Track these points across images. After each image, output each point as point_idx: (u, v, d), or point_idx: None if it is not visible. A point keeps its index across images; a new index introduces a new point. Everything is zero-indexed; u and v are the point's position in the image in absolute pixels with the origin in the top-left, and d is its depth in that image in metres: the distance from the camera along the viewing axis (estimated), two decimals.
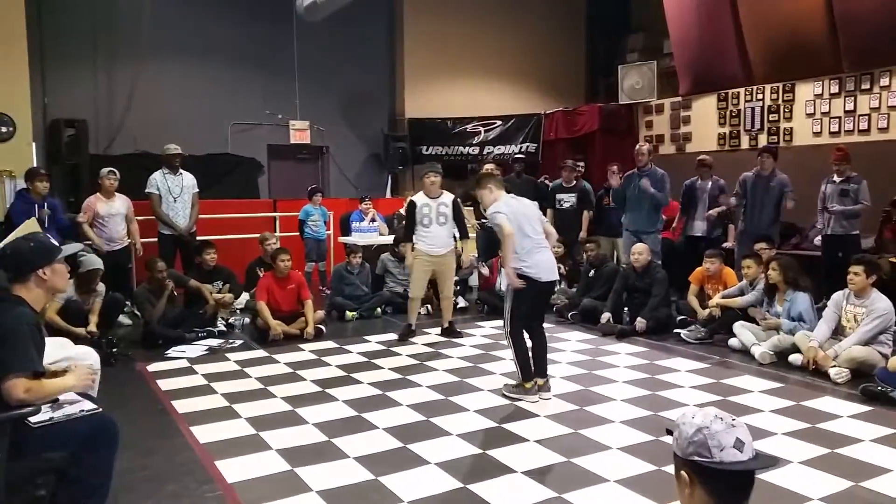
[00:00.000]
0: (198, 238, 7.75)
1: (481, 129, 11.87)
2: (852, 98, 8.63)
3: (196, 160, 9.28)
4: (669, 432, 1.66)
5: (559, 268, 8.17)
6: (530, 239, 4.69)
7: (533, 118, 11.90)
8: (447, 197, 6.63)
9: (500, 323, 7.02)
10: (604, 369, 5.52)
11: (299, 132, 11.31)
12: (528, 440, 4.02)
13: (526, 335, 4.82)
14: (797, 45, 8.60)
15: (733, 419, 1.58)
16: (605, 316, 6.80)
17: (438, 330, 6.85)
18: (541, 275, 4.69)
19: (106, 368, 4.54)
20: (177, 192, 7.58)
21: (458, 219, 6.70)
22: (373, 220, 9.12)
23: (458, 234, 6.83)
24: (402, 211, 9.35)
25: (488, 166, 8.31)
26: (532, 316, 4.84)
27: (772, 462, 1.62)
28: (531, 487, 3.40)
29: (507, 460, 3.72)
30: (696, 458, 1.55)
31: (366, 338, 6.62)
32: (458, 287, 8.18)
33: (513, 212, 4.70)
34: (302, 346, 6.34)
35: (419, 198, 6.62)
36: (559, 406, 4.63)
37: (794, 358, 5.50)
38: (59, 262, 2.89)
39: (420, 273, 6.59)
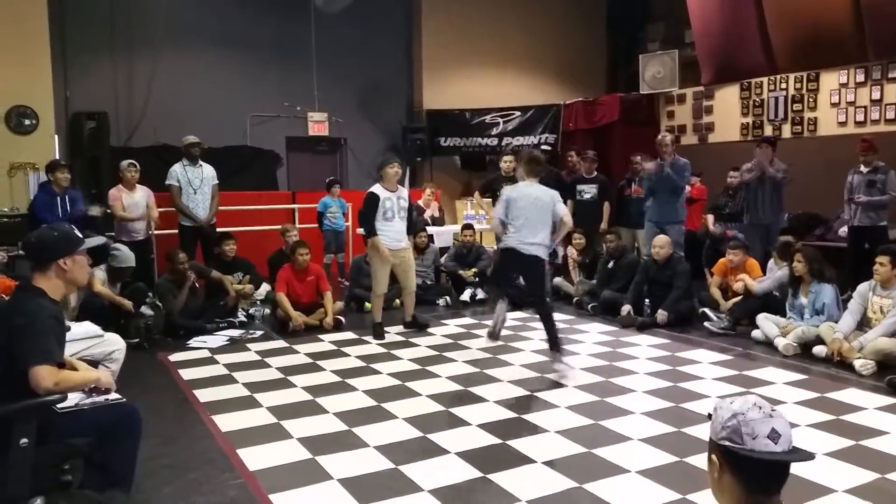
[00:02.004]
0: (217, 230, 7.80)
1: (500, 119, 11.80)
2: (879, 87, 8.48)
3: (215, 152, 9.32)
4: (709, 417, 1.62)
5: (565, 256, 8.17)
6: (527, 220, 5.13)
7: (552, 109, 11.81)
8: (404, 191, 6.51)
9: (520, 314, 7.06)
10: (624, 361, 5.48)
11: (317, 124, 11.32)
12: (549, 431, 4.00)
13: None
14: (821, 33, 8.44)
15: (773, 409, 1.54)
16: (626, 308, 6.75)
17: (457, 321, 6.83)
18: (508, 243, 5.20)
19: (131, 358, 4.59)
20: (197, 183, 7.62)
21: (411, 214, 6.56)
22: None
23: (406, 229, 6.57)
24: (420, 203, 9.42)
25: (507, 158, 8.29)
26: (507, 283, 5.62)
27: (807, 457, 1.57)
28: (552, 477, 3.38)
29: (527, 451, 3.70)
30: (727, 443, 1.52)
31: (385, 329, 6.62)
32: (477, 279, 8.16)
33: (518, 195, 5.22)
34: (322, 336, 6.36)
35: (380, 190, 6.29)
36: (580, 397, 4.61)
37: (819, 350, 5.43)
38: (80, 253, 2.91)
39: (383, 269, 6.36)
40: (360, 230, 6.85)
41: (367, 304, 7.48)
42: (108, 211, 7.41)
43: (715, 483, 1.59)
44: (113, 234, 7.37)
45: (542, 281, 5.67)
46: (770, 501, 1.51)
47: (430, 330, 6.60)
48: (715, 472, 1.57)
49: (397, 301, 7.65)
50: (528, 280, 5.49)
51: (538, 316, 5.40)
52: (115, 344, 4.24)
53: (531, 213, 5.15)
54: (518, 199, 5.20)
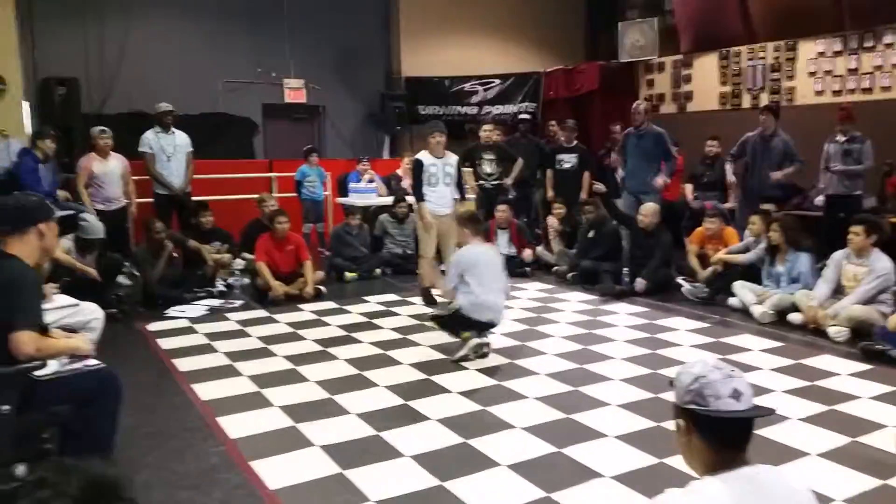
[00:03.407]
0: (193, 199, 7.69)
1: (480, 88, 11.71)
2: (855, 56, 8.51)
3: (189, 119, 9.15)
4: (672, 384, 1.66)
5: (545, 226, 8.19)
6: (480, 285, 4.73)
7: (532, 77, 11.73)
8: (452, 157, 6.55)
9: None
10: (603, 328, 5.53)
11: (294, 91, 11.13)
12: (528, 397, 4.03)
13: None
14: (800, 1, 8.46)
15: (732, 370, 1.60)
16: (641, 283, 6.59)
17: (435, 291, 6.82)
18: (473, 314, 4.73)
19: (110, 326, 4.54)
20: (170, 150, 7.49)
21: (459, 180, 6.64)
22: (370, 180, 9.05)
23: (457, 196, 6.75)
24: (400, 172, 9.36)
25: (486, 127, 8.24)
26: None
27: (767, 412, 1.63)
28: (531, 442, 3.43)
29: (507, 417, 3.74)
30: (693, 406, 1.57)
31: (365, 298, 6.61)
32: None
33: (471, 257, 4.83)
34: (302, 306, 6.33)
35: (425, 157, 6.47)
36: (559, 364, 4.65)
37: (794, 317, 5.51)
38: (54, 220, 2.89)
39: (426, 234, 6.45)
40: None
41: (348, 274, 7.48)
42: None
43: (684, 447, 1.64)
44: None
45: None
46: (738, 458, 1.56)
47: (409, 299, 6.59)
48: (683, 436, 1.62)
49: (377, 270, 7.65)
50: None
51: None
52: (92, 313, 4.19)
53: (489, 276, 4.83)
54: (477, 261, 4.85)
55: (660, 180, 7.61)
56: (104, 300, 5.69)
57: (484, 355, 4.77)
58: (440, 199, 6.42)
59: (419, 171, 6.39)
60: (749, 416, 1.56)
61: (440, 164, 6.42)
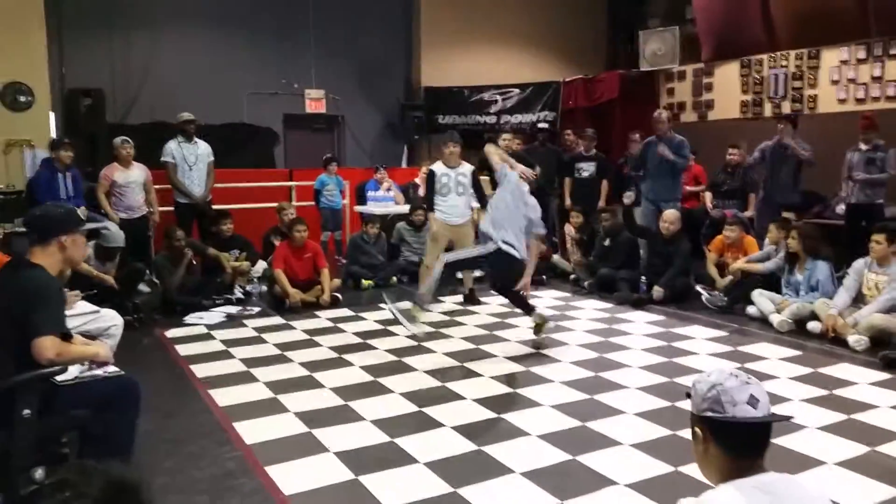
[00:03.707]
0: (213, 207, 7.78)
1: (498, 97, 11.72)
2: (880, 64, 8.41)
3: (212, 130, 9.27)
4: (688, 395, 1.66)
5: (563, 234, 8.18)
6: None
7: (551, 86, 11.72)
8: (466, 167, 6.60)
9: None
10: (620, 337, 5.51)
11: (315, 102, 11.25)
12: (543, 405, 4.03)
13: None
14: (823, 8, 8.38)
15: (749, 377, 1.60)
16: (659, 292, 6.58)
17: (454, 298, 6.86)
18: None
19: (127, 334, 4.60)
20: (192, 160, 7.60)
21: (477, 189, 6.67)
22: (388, 189, 9.10)
23: (475, 205, 6.80)
24: (418, 181, 9.40)
25: (506, 136, 8.26)
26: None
27: (784, 418, 1.65)
28: (546, 450, 3.42)
29: (522, 424, 3.73)
30: (710, 413, 1.57)
31: (381, 306, 6.58)
32: None
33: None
34: (318, 313, 6.38)
35: (438, 167, 6.60)
36: (575, 372, 4.63)
37: (813, 326, 5.45)
38: (81, 233, 2.95)
39: (432, 242, 6.58)
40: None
41: (365, 282, 7.52)
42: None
43: (700, 456, 1.64)
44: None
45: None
46: (755, 466, 1.55)
47: (426, 307, 6.58)
48: (700, 444, 1.62)
49: (394, 278, 7.69)
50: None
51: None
52: (112, 320, 4.27)
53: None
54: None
55: (660, 149, 7.52)
56: (122, 307, 5.80)
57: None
58: (451, 208, 6.49)
59: (432, 181, 6.52)
60: (766, 420, 1.56)
61: (453, 175, 6.49)
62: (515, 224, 5.09)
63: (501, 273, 5.42)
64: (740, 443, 1.56)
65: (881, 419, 3.74)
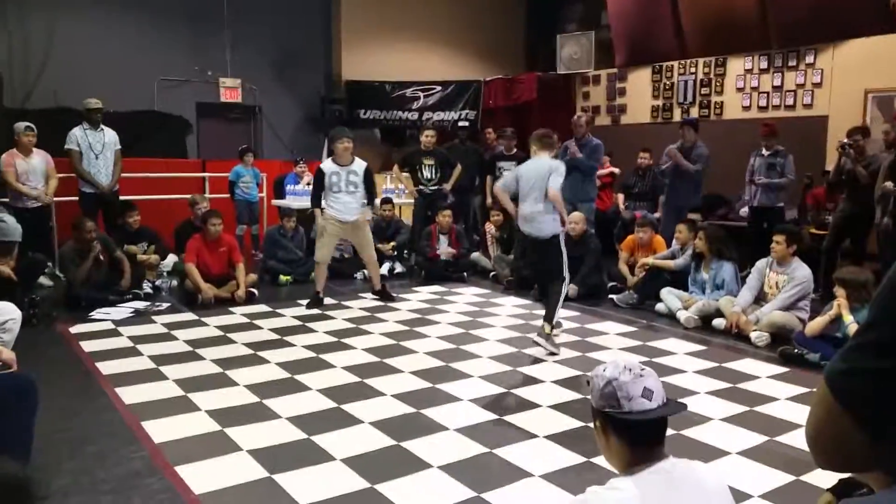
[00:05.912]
0: (121, 198, 7.44)
1: (420, 94, 11.73)
2: (780, 74, 8.90)
3: (120, 117, 8.88)
4: (588, 384, 1.72)
5: (484, 232, 8.27)
6: (524, 194, 5.20)
7: (472, 85, 11.83)
8: (358, 164, 6.46)
9: (438, 288, 7.12)
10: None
11: (230, 90, 10.93)
12: (463, 399, 4.05)
13: None
14: (729, 19, 8.78)
15: (642, 369, 1.65)
16: (572, 289, 6.60)
17: (373, 295, 6.80)
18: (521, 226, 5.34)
19: (25, 330, 4.33)
20: (98, 148, 7.24)
21: (369, 186, 6.54)
22: (308, 183, 8.93)
23: (366, 201, 6.60)
24: None
25: (428, 132, 8.26)
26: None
27: (679, 408, 1.70)
28: (464, 443, 3.43)
29: (440, 419, 3.74)
30: (608, 409, 1.63)
31: (299, 302, 6.52)
32: (396, 252, 8.15)
33: (519, 172, 5.31)
34: (233, 309, 6.20)
35: (328, 165, 6.42)
36: (491, 367, 4.69)
37: (718, 322, 5.71)
38: None
39: (327, 238, 6.46)
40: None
41: (282, 277, 7.37)
42: None
43: (604, 446, 1.70)
44: (6, 200, 6.91)
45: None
46: (654, 452, 1.63)
47: (345, 303, 6.54)
48: (601, 436, 1.68)
49: (313, 274, 7.55)
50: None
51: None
52: (9, 313, 3.99)
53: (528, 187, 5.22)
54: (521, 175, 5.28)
55: (572, 149, 7.68)
56: (20, 302, 5.45)
57: None
58: (344, 206, 6.37)
59: (320, 179, 6.37)
60: (660, 414, 1.63)
61: (343, 173, 6.36)
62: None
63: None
64: (638, 434, 1.62)
65: (780, 411, 3.94)
